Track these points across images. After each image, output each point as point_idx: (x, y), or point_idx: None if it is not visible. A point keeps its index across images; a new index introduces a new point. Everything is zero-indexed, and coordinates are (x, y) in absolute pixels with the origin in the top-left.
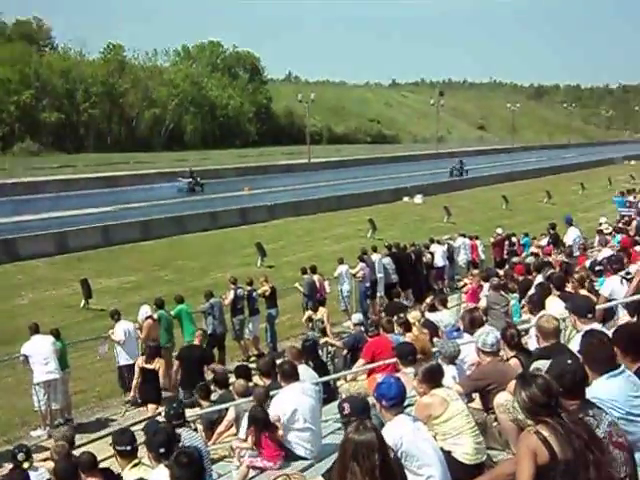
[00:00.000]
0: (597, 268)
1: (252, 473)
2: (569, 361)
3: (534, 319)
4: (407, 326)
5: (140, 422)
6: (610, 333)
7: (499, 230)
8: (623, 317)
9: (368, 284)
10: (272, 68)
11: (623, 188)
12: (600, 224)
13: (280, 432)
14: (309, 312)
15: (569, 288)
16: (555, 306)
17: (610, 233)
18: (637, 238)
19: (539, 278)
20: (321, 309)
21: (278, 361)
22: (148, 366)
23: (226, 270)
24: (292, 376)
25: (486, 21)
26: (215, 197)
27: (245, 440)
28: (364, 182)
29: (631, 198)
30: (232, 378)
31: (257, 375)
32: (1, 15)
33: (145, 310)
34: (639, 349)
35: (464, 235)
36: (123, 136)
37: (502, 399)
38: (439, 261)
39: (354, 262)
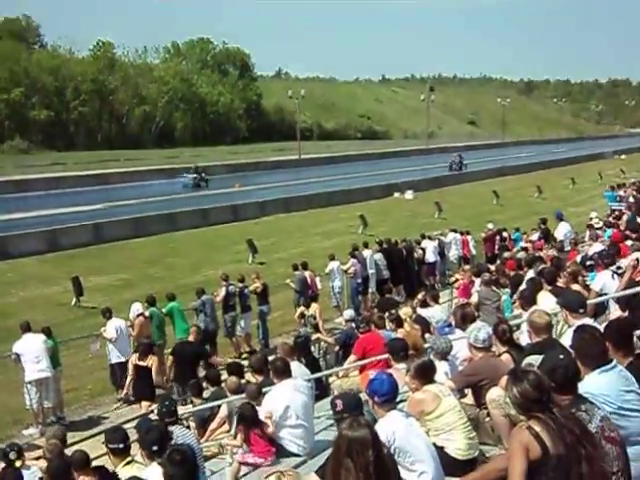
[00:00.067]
0: (588, 263)
1: (245, 470)
2: (561, 356)
3: (526, 314)
4: (399, 322)
5: (133, 420)
6: (602, 328)
7: (490, 225)
8: (614, 312)
9: (360, 280)
10: (262, 65)
11: (613, 182)
12: (591, 219)
13: (270, 429)
14: (301, 308)
15: (561, 283)
16: (546, 301)
17: (601, 228)
18: (628, 232)
19: (530, 273)
20: (313, 305)
21: (270, 358)
22: (141, 363)
23: (217, 267)
24: (284, 373)
25: (476, 16)
26: (219, 193)
27: (235, 438)
28: (355, 178)
29: (621, 192)
30: (224, 375)
31: (249, 372)
32: None
33: (137, 308)
34: (631, 344)
35: (455, 230)
36: (113, 133)
37: (494, 394)
38: (430, 257)
39: (345, 258)
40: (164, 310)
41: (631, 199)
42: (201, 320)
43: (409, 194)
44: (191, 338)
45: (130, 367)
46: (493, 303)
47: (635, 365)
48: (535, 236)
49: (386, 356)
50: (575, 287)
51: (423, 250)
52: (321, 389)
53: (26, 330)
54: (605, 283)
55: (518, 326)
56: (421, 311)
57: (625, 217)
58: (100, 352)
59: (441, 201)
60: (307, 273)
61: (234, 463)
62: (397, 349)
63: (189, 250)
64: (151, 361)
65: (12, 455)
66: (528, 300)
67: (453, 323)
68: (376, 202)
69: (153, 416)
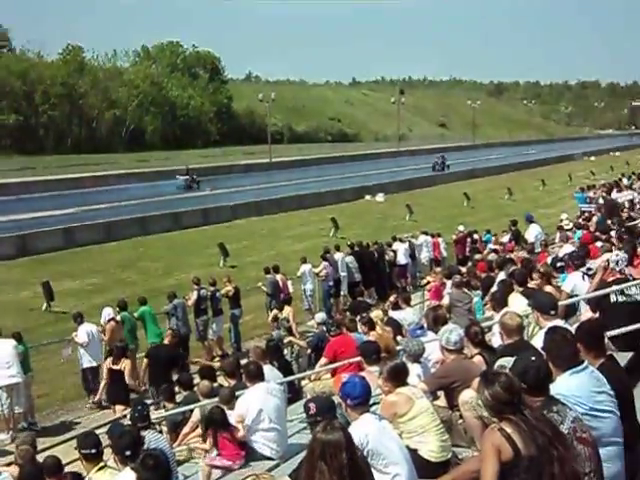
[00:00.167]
0: (558, 264)
1: (218, 473)
2: (533, 358)
3: (497, 316)
4: (371, 325)
5: (105, 425)
6: (573, 329)
7: (461, 227)
8: (585, 313)
9: (331, 283)
10: (232, 68)
11: (583, 184)
12: (561, 220)
13: (241, 433)
14: (275, 311)
15: (533, 284)
16: (518, 303)
17: (571, 229)
18: (597, 234)
19: (501, 275)
20: (287, 308)
21: (242, 361)
22: (115, 367)
23: (189, 271)
24: (257, 376)
25: (445, 18)
26: (190, 196)
27: (204, 441)
28: (326, 181)
29: (591, 194)
30: (197, 379)
31: (222, 376)
32: None
33: (108, 312)
34: (602, 345)
35: (426, 233)
36: (83, 137)
37: (467, 396)
38: (402, 259)
39: (317, 261)
40: (136, 314)
41: (601, 200)
42: (173, 324)
43: (380, 197)
44: (167, 341)
45: (104, 371)
46: (464, 305)
47: (606, 366)
48: (506, 238)
49: (358, 359)
50: (548, 288)
51: (394, 252)
52: (293, 392)
53: None
54: (576, 284)
55: (490, 328)
56: (393, 313)
57: (595, 218)
58: (71, 357)
59: (412, 203)
60: (279, 276)
61: (204, 466)
62: (369, 352)
63: (161, 254)
64: (124, 364)
65: None
66: (499, 302)
67: (425, 325)
68: (347, 205)
69: (125, 421)
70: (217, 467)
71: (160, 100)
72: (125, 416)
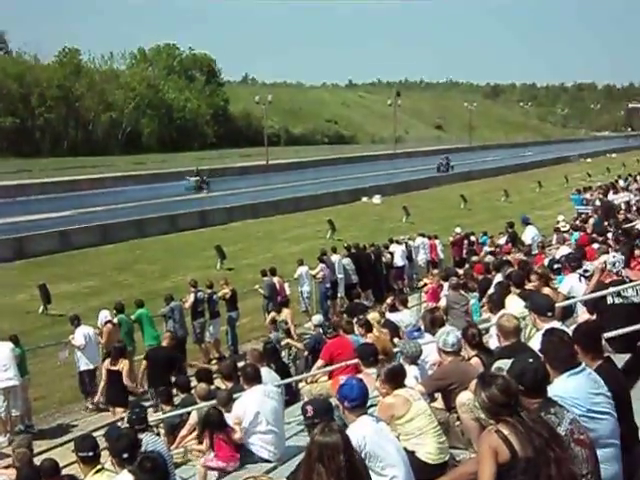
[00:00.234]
0: (555, 266)
1: (215, 475)
2: (530, 360)
3: (494, 318)
4: (368, 327)
5: (102, 427)
6: (570, 331)
7: (458, 229)
8: (582, 315)
9: (328, 285)
10: (229, 70)
11: (580, 186)
12: (558, 222)
13: (237, 435)
14: (273, 314)
15: (530, 286)
16: (515, 305)
17: (568, 231)
18: (594, 236)
19: (498, 277)
20: (285, 310)
21: (239, 364)
22: (113, 367)
23: (186, 273)
24: (255, 379)
25: (441, 21)
26: (187, 199)
27: (200, 442)
28: (322, 183)
29: (588, 195)
30: (194, 382)
31: (219, 378)
32: None
33: (104, 315)
34: (599, 347)
35: (423, 235)
36: (80, 140)
37: (464, 398)
38: (398, 261)
39: (314, 263)
40: (133, 317)
41: (597, 202)
42: (170, 326)
43: (377, 199)
44: (165, 343)
45: (103, 372)
46: (461, 307)
47: (604, 368)
48: (502, 240)
49: (355, 361)
50: (546, 290)
51: (391, 254)
52: (291, 395)
53: None
54: (573, 286)
55: (487, 330)
56: (390, 315)
57: (591, 220)
58: (68, 360)
59: (409, 205)
60: (276, 279)
61: (200, 468)
62: (367, 354)
63: (157, 256)
64: (122, 364)
65: None
66: (496, 304)
67: (422, 327)
68: (344, 207)
69: (123, 423)
70: (212, 468)
71: (157, 103)
72: (122, 418)
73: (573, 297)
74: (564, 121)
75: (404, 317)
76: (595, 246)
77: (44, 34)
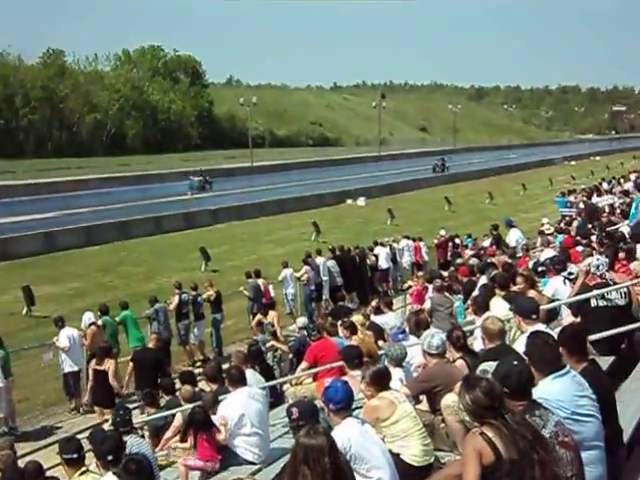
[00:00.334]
0: (540, 269)
1: (197, 476)
2: (515, 362)
3: (479, 320)
4: (353, 329)
5: (87, 429)
6: (554, 334)
7: (442, 232)
8: (567, 317)
9: (313, 287)
10: (213, 72)
11: (564, 188)
12: (542, 225)
13: (222, 435)
14: (259, 316)
15: (516, 288)
16: (499, 307)
17: (552, 233)
18: (578, 238)
19: (483, 279)
20: (271, 313)
21: (224, 366)
22: (99, 367)
23: (170, 275)
24: (240, 381)
25: (426, 23)
26: (172, 200)
27: (185, 441)
28: (307, 185)
29: (572, 198)
30: (178, 384)
31: (203, 380)
32: None
33: (88, 317)
34: (584, 349)
35: (408, 237)
36: (64, 141)
37: (449, 400)
38: (383, 263)
39: (298, 265)
40: (117, 319)
41: (581, 205)
42: (155, 328)
43: (361, 201)
44: (151, 345)
45: (90, 372)
46: (446, 309)
47: (588, 370)
48: (487, 242)
49: (339, 363)
50: (531, 293)
51: (376, 257)
52: (276, 397)
53: None
54: (557, 289)
55: (471, 332)
56: (375, 318)
57: (575, 223)
58: (52, 362)
59: (393, 208)
60: (260, 281)
61: (181, 467)
62: (352, 356)
63: (142, 258)
64: (108, 364)
65: None
66: (481, 306)
67: (407, 329)
68: (328, 209)
69: (107, 425)
70: (190, 467)
71: (141, 104)
72: (106, 421)
73: (557, 300)
74: (548, 124)
75: (389, 319)
76: (579, 249)
77: (28, 35)
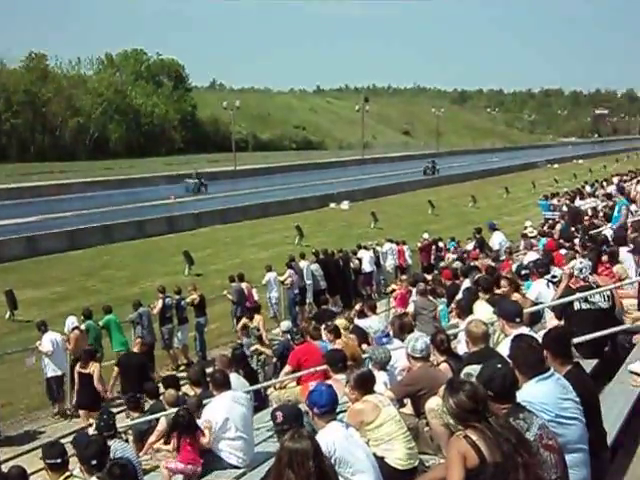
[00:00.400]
0: (523, 272)
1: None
2: (499, 365)
3: (462, 324)
4: (337, 333)
5: (70, 434)
6: (538, 336)
7: (426, 235)
8: (550, 320)
9: (297, 291)
10: (196, 76)
11: (547, 191)
12: (525, 228)
13: (206, 439)
14: (245, 320)
15: (500, 291)
16: (483, 310)
17: (535, 237)
18: (561, 241)
19: (466, 282)
20: (257, 316)
21: (208, 370)
22: (83, 370)
23: (154, 279)
24: (224, 385)
25: (408, 26)
26: (156, 204)
27: (169, 443)
28: (291, 189)
29: (555, 201)
30: (162, 388)
31: (187, 384)
32: None
33: (72, 321)
34: (569, 352)
35: (391, 240)
36: (47, 145)
37: (433, 404)
38: (367, 267)
39: (282, 269)
40: (101, 323)
41: (564, 208)
42: (138, 332)
43: (345, 204)
44: (136, 349)
45: (75, 376)
46: (429, 313)
47: (573, 373)
48: (470, 245)
49: (324, 367)
50: (516, 296)
51: (359, 260)
52: (260, 400)
53: None
54: (540, 292)
55: (455, 335)
56: (359, 321)
57: (559, 226)
58: (35, 366)
59: (377, 211)
60: (244, 284)
61: (163, 470)
62: (335, 360)
63: (125, 262)
64: (93, 368)
65: None
66: (464, 309)
67: (391, 333)
68: (312, 213)
69: (91, 430)
70: (171, 470)
71: (124, 108)
72: (91, 425)
73: (541, 303)
74: (531, 127)
75: (373, 323)
76: (562, 252)
77: (11, 38)
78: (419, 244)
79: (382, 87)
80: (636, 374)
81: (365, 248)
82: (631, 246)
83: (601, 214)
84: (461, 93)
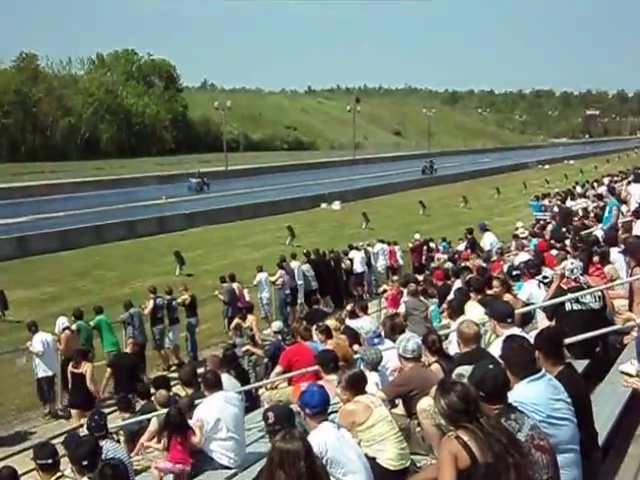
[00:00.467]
0: (514, 272)
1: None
2: (490, 366)
3: (454, 324)
4: (328, 333)
5: (61, 435)
6: (529, 337)
7: (417, 235)
8: (541, 321)
9: (288, 291)
10: (188, 76)
11: (538, 192)
12: (517, 228)
13: (197, 438)
14: (237, 320)
15: (492, 292)
16: (474, 311)
17: (526, 237)
18: (552, 242)
19: (458, 283)
20: (250, 317)
21: (199, 370)
22: (76, 370)
23: (145, 279)
24: (215, 385)
25: (399, 28)
26: (147, 204)
27: (159, 442)
28: (282, 189)
29: (546, 202)
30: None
31: (179, 385)
32: None
33: (62, 321)
34: (561, 352)
35: (382, 241)
36: (38, 145)
37: (425, 404)
38: (358, 267)
39: (273, 269)
40: (92, 323)
41: (555, 209)
42: (129, 333)
43: (336, 205)
44: (128, 350)
45: (68, 375)
46: (420, 313)
47: (564, 374)
48: (461, 246)
49: (315, 367)
50: (507, 296)
51: (351, 261)
52: (251, 401)
53: None
54: (532, 292)
55: (446, 336)
56: (350, 322)
57: (550, 227)
58: (26, 366)
59: (368, 212)
60: (235, 285)
61: (154, 471)
62: (327, 360)
63: (116, 263)
64: (85, 367)
65: None
66: (456, 310)
67: (382, 334)
68: (303, 213)
69: (83, 430)
70: (161, 470)
71: (115, 108)
72: (82, 425)
73: (532, 303)
74: (522, 127)
75: (364, 323)
76: (554, 252)
77: (1, 38)
78: (410, 245)
79: (373, 87)
80: (627, 374)
81: (356, 248)
82: (622, 247)
83: (592, 215)
84: (452, 94)
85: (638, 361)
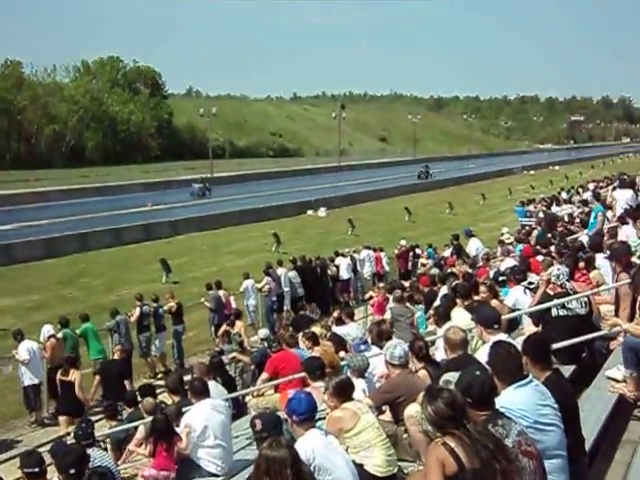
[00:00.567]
0: (500, 278)
1: None
2: (477, 372)
3: (440, 330)
4: (315, 340)
5: (48, 443)
6: (516, 343)
7: (403, 242)
8: (528, 327)
9: (274, 298)
10: (173, 83)
11: (523, 198)
12: (502, 234)
13: (183, 444)
14: (225, 327)
15: (478, 298)
16: (461, 317)
17: (512, 243)
18: (538, 248)
19: (444, 289)
20: (238, 323)
21: (186, 378)
22: (64, 378)
23: (131, 287)
24: (203, 393)
25: (384, 34)
26: (132, 212)
27: (145, 448)
28: (268, 196)
29: (531, 208)
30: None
31: (166, 392)
32: None
33: (47, 329)
34: (548, 358)
35: (368, 247)
36: (22, 153)
37: (412, 411)
38: (344, 274)
39: (260, 276)
40: (78, 331)
41: (541, 214)
42: (115, 340)
43: (322, 211)
44: (116, 357)
45: (58, 383)
46: (406, 319)
47: (552, 379)
48: (447, 252)
49: (301, 374)
50: (494, 302)
51: (337, 267)
52: (238, 408)
53: None
54: (518, 298)
55: (433, 342)
56: (337, 329)
57: (535, 232)
58: (12, 375)
59: (354, 218)
60: (221, 292)
61: (140, 479)
62: (314, 368)
63: (102, 270)
64: (74, 375)
65: None
66: (442, 316)
67: (369, 340)
68: (289, 220)
69: (70, 439)
70: (146, 478)
71: (100, 115)
72: (68, 434)
73: (518, 309)
74: (507, 133)
75: (350, 330)
76: (539, 258)
77: None
78: (396, 251)
79: (359, 94)
80: (614, 380)
81: (342, 255)
82: (607, 252)
83: (577, 220)
84: (437, 100)
85: (624, 367)
